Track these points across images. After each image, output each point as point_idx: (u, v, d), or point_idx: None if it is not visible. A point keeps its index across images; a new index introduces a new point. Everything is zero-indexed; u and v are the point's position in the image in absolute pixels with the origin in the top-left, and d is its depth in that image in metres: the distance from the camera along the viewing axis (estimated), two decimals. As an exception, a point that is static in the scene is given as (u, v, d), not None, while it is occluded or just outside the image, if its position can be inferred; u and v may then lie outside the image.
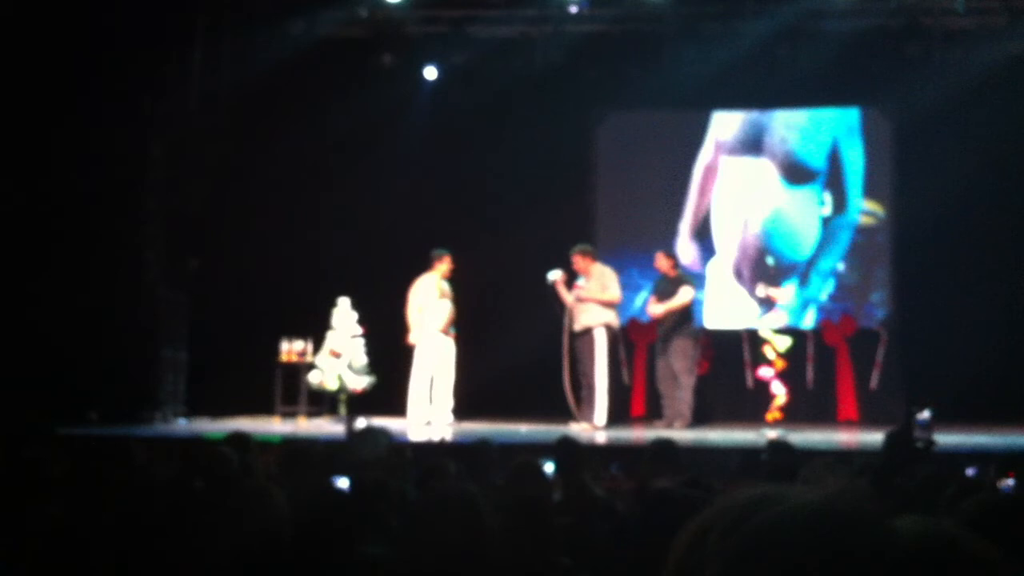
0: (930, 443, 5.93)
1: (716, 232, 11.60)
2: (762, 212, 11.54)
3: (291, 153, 11.13)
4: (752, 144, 11.64)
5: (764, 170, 11.59)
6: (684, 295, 9.96)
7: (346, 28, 10.94)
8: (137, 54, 9.76)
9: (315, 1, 10.58)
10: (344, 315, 10.40)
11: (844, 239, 11.47)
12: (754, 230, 11.55)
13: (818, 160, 11.53)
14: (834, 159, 11.52)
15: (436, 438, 8.79)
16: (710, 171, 11.67)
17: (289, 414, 10.33)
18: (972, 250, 10.95)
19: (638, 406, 11.26)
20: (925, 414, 6.07)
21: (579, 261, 9.89)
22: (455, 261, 10.17)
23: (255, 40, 10.40)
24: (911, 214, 11.22)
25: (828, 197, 11.50)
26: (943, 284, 10.92)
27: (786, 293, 11.35)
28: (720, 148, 11.68)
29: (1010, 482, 5.12)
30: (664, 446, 5.43)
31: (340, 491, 3.91)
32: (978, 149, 10.79)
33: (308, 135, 11.02)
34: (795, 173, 11.57)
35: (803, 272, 11.46)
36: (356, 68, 11.12)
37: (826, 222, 11.48)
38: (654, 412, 10.50)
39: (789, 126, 11.63)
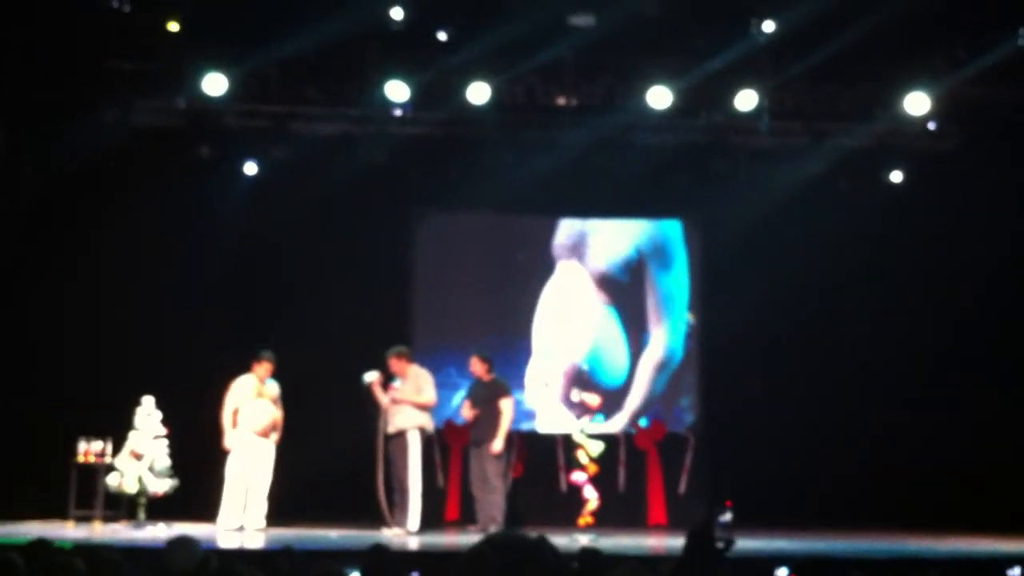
0: (730, 542, 6.06)
1: (535, 335, 11.73)
2: (580, 318, 11.75)
3: (100, 244, 10.76)
4: (573, 252, 11.88)
5: (584, 278, 11.82)
6: (507, 409, 9.97)
7: (162, 118, 10.73)
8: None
9: (130, 89, 10.36)
10: (148, 415, 9.98)
11: (666, 352, 11.75)
12: (572, 336, 11.73)
13: (636, 272, 11.83)
14: (652, 271, 11.86)
15: (243, 545, 8.45)
16: (530, 275, 11.84)
17: (84, 518, 9.77)
18: (775, 358, 11.41)
19: (452, 510, 11.14)
20: (726, 515, 6.24)
21: (395, 363, 9.80)
22: (273, 362, 9.95)
23: (65, 127, 10.11)
24: (719, 323, 11.63)
25: (648, 309, 11.79)
26: (747, 390, 11.33)
27: (600, 398, 11.51)
28: (541, 253, 11.88)
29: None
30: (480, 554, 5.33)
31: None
32: (780, 262, 11.34)
33: (119, 226, 10.70)
34: (613, 283, 11.83)
35: (619, 377, 11.69)
36: (173, 159, 10.90)
37: (646, 333, 11.76)
38: (468, 516, 10.40)
39: (608, 236, 11.90)
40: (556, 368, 11.67)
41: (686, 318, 11.78)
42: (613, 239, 11.90)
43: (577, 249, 11.89)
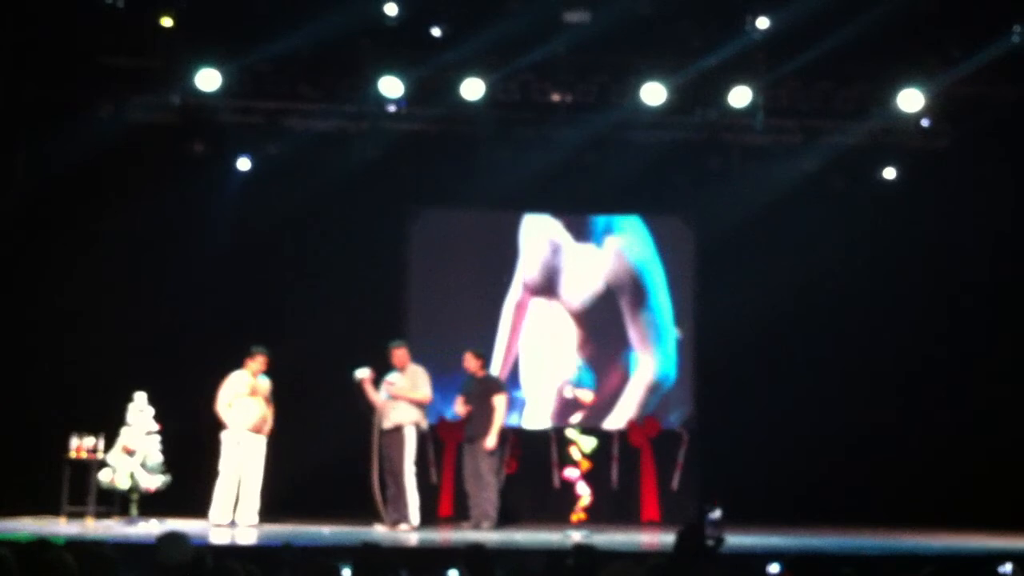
0: (720, 540, 6.08)
1: (526, 332, 11.72)
2: (573, 314, 11.74)
3: (93, 241, 10.75)
4: (564, 249, 11.86)
5: (579, 275, 11.80)
6: (499, 405, 9.95)
7: (157, 115, 10.71)
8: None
9: (125, 86, 10.35)
10: (140, 411, 9.97)
11: (657, 376, 11.72)
12: (565, 330, 11.72)
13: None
14: (644, 269, 11.84)
15: (236, 541, 8.44)
16: (520, 273, 11.83)
17: (76, 514, 9.75)
18: (769, 355, 11.41)
19: (446, 506, 11.14)
20: (716, 512, 6.26)
21: (397, 355, 9.78)
22: (267, 357, 9.93)
23: (60, 124, 10.10)
24: (713, 321, 11.62)
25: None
26: (741, 387, 11.32)
27: (593, 395, 11.52)
28: (532, 250, 11.87)
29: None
30: (475, 553, 5.34)
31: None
32: (774, 259, 11.34)
33: (113, 223, 10.69)
34: (611, 282, 11.80)
35: (612, 373, 11.69)
36: (166, 155, 10.89)
37: (639, 331, 11.75)
38: (462, 512, 10.40)
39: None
40: (547, 374, 11.63)
41: (674, 333, 11.73)
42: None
43: (563, 242, 11.82)
